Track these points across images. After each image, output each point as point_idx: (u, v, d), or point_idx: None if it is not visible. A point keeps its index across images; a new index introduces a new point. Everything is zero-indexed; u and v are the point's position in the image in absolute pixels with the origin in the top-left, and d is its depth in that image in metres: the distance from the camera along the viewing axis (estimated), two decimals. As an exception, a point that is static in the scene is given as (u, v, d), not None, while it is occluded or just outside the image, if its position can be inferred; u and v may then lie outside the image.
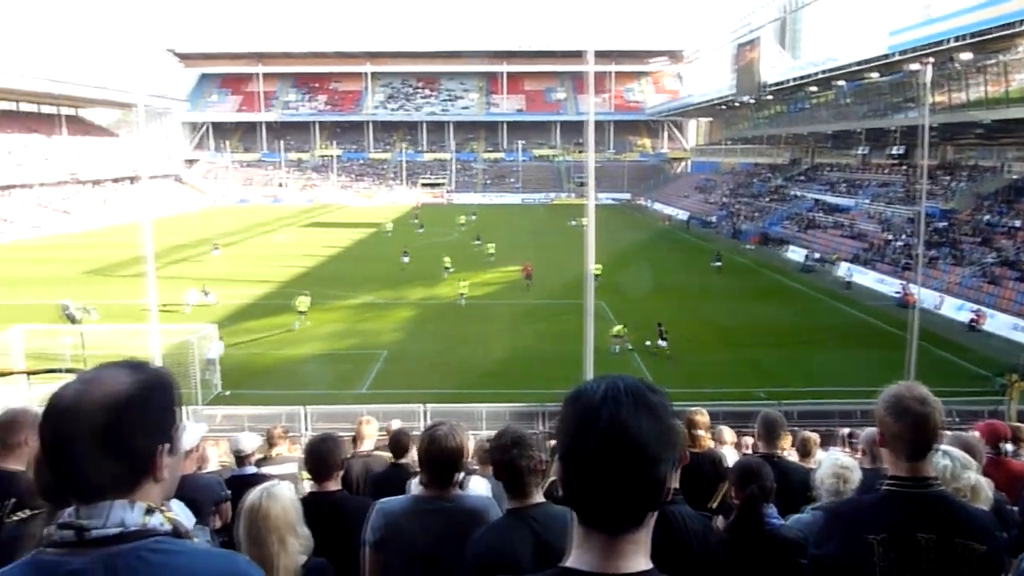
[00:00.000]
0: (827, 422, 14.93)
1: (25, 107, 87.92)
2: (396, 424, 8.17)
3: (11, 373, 18.45)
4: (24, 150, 77.44)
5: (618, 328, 25.61)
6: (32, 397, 16.98)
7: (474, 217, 70.34)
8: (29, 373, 18.41)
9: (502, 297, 31.91)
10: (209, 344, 22.21)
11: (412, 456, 5.76)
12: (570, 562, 1.36)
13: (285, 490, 2.98)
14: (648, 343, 25.45)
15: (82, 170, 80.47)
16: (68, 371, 17.97)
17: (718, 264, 40.71)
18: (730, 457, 7.09)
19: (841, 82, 55.04)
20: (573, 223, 61.91)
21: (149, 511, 1.43)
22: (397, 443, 5.60)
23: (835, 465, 3.81)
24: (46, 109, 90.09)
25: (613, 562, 1.32)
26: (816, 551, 2.46)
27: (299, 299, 27.64)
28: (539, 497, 2.87)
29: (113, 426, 1.38)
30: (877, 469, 4.16)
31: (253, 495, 2.92)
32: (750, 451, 7.71)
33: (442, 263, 39.50)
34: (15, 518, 2.97)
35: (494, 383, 21.76)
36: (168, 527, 1.45)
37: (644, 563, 1.34)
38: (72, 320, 26.34)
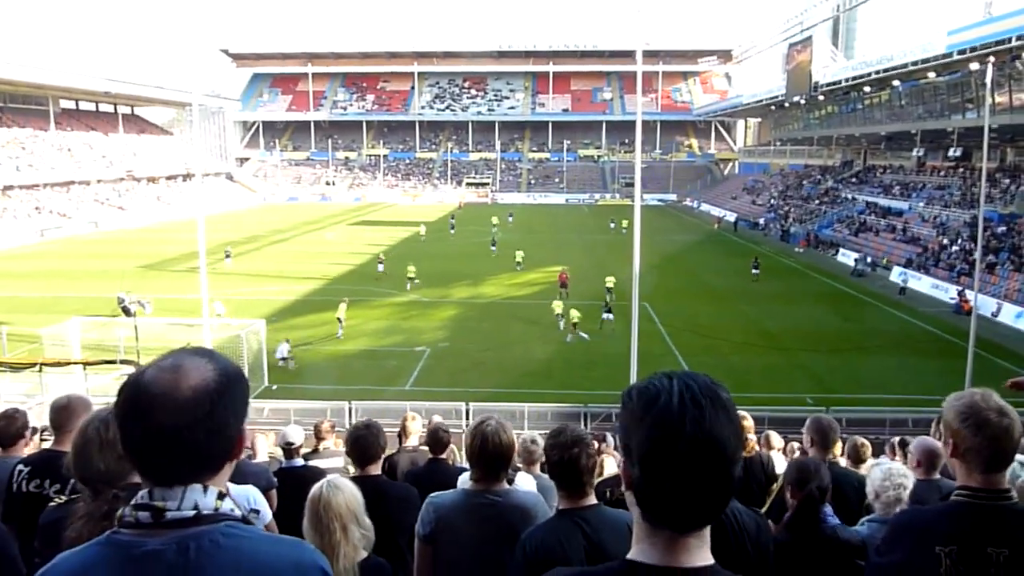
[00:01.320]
0: (877, 430, 14.57)
1: (85, 106, 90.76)
2: (437, 419, 8.21)
3: (69, 363, 19.06)
4: (83, 147, 79.95)
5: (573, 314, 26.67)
6: (89, 387, 17.55)
7: (511, 218, 68.82)
8: (86, 364, 19.02)
9: (546, 296, 31.84)
10: (278, 345, 23.12)
11: (450, 452, 5.80)
12: (635, 555, 1.36)
13: (348, 483, 3.11)
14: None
15: (138, 167, 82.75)
16: (123, 362, 18.52)
17: (756, 272, 39.02)
18: (778, 462, 6.96)
19: (896, 82, 53.61)
20: (612, 225, 61.61)
21: (221, 496, 1.46)
22: (436, 438, 5.64)
23: (891, 474, 3.70)
24: (104, 108, 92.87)
25: (679, 557, 1.33)
26: (879, 559, 2.38)
27: (340, 306, 27.43)
28: (593, 499, 2.85)
29: (215, 413, 1.42)
30: (930, 481, 4.03)
31: (318, 486, 3.05)
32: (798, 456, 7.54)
33: (514, 258, 41.85)
34: (55, 501, 3.10)
35: (536, 383, 21.77)
36: (238, 512, 1.48)
37: (708, 557, 1.35)
38: (127, 313, 27.09)
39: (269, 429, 11.50)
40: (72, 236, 58.86)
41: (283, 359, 22.92)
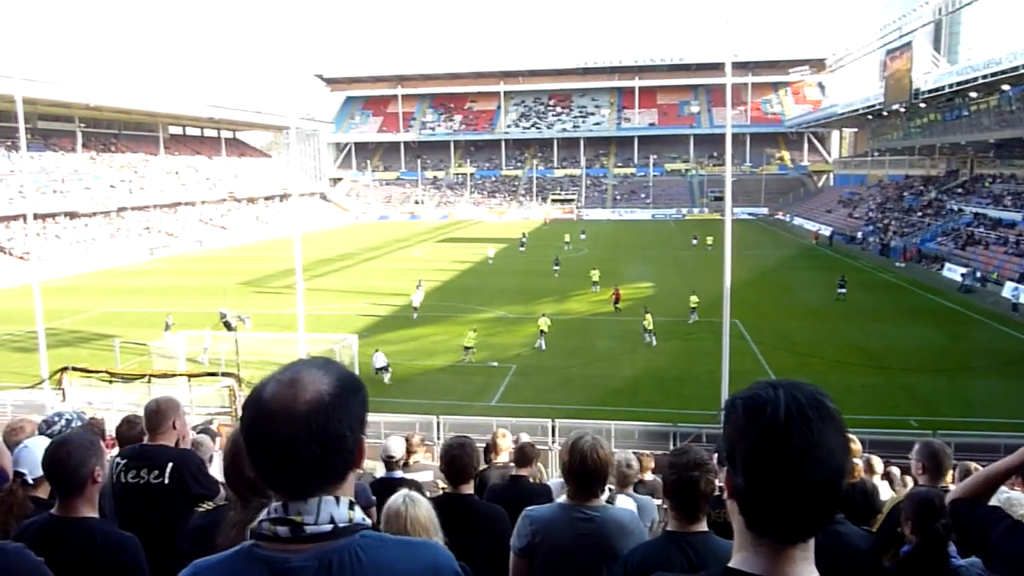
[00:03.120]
0: (990, 456, 13.67)
1: (191, 131, 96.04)
2: (525, 437, 8.21)
3: (175, 375, 20.03)
4: (189, 171, 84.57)
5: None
6: (192, 398, 18.40)
7: (583, 236, 66.69)
8: (190, 376, 19.94)
9: (630, 314, 31.47)
10: (374, 355, 23.91)
11: (534, 469, 5.77)
12: (737, 563, 1.35)
13: (423, 498, 3.11)
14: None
15: (239, 189, 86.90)
16: (225, 375, 19.34)
17: (843, 291, 36.03)
18: (882, 489, 6.63)
19: (1006, 86, 50.74)
20: (694, 242, 59.91)
21: (352, 506, 1.48)
22: (523, 454, 5.64)
23: (1011, 504, 3.46)
24: (208, 133, 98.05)
25: (782, 568, 1.31)
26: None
27: (468, 334, 26.58)
28: (704, 525, 2.80)
29: (330, 425, 1.42)
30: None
31: (394, 500, 3.06)
32: (904, 484, 7.16)
33: (589, 277, 39.89)
34: (202, 508, 3.27)
35: (623, 400, 21.50)
36: (369, 521, 1.51)
37: (812, 571, 1.33)
38: (228, 328, 28.32)
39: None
40: (178, 254, 62.12)
41: (379, 369, 23.51)
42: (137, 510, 3.64)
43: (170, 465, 3.71)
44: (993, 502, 3.65)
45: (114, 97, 72.69)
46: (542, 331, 27.68)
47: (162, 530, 3.59)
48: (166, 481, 3.68)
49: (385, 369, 23.81)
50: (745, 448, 1.29)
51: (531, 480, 5.57)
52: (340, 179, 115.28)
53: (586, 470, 3.14)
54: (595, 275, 39.89)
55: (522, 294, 38.34)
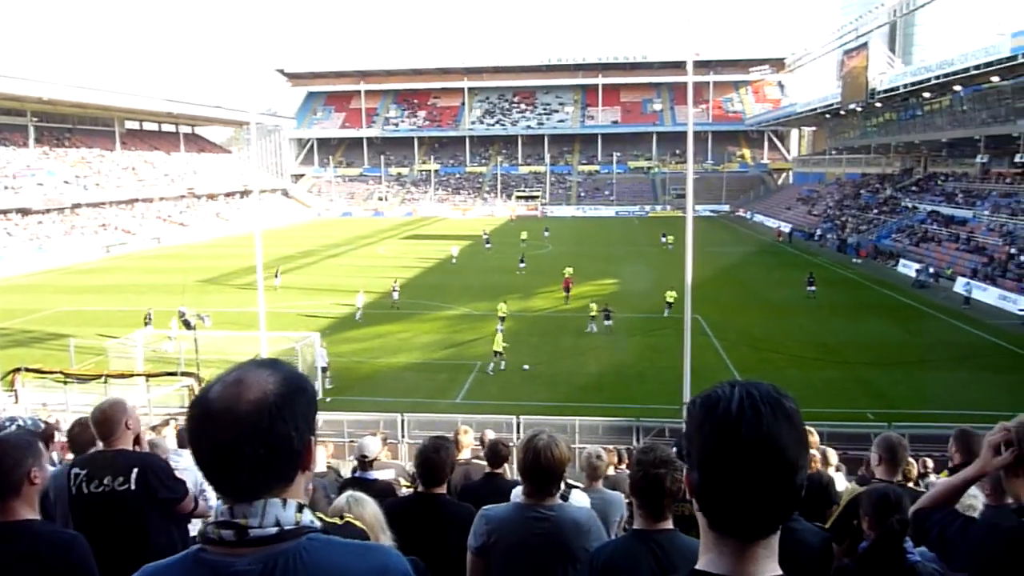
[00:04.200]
0: (944, 447, 14.05)
1: (148, 126, 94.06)
2: (491, 434, 8.20)
3: (133, 375, 19.65)
4: (146, 167, 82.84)
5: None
6: (151, 398, 18.06)
7: (547, 233, 66.74)
8: (148, 375, 19.58)
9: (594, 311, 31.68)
10: (316, 352, 22.94)
11: (507, 467, 5.77)
12: (703, 565, 1.36)
13: (368, 497, 3.12)
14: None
15: (198, 185, 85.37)
16: (185, 374, 19.01)
17: (812, 289, 36.33)
18: (838, 480, 6.76)
19: (958, 87, 52.07)
20: (663, 240, 60.31)
21: (300, 508, 1.46)
22: (495, 453, 5.61)
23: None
24: (166, 128, 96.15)
25: (747, 567, 1.32)
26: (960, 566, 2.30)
27: (496, 339, 25.39)
28: (670, 523, 2.81)
29: (274, 426, 1.40)
30: (1001, 507, 3.85)
31: (339, 500, 3.07)
32: (860, 475, 7.31)
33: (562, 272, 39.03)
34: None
35: (588, 396, 21.61)
36: (318, 524, 1.47)
37: (775, 568, 1.34)
38: (188, 326, 27.85)
39: (324, 440, 11.66)
40: (135, 252, 60.88)
41: (322, 369, 22.68)
42: (105, 520, 3.54)
43: (135, 471, 3.61)
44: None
45: (68, 91, 70.60)
46: (497, 351, 25.18)
47: (133, 538, 3.52)
48: (132, 487, 3.59)
49: (324, 371, 22.65)
50: (700, 444, 1.31)
51: (506, 478, 5.56)
52: (302, 175, 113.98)
53: (540, 468, 3.13)
54: (568, 272, 39.59)
55: (487, 291, 38.32)
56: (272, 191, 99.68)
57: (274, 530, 1.40)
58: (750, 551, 1.32)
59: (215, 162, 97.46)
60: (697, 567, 1.37)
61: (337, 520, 1.90)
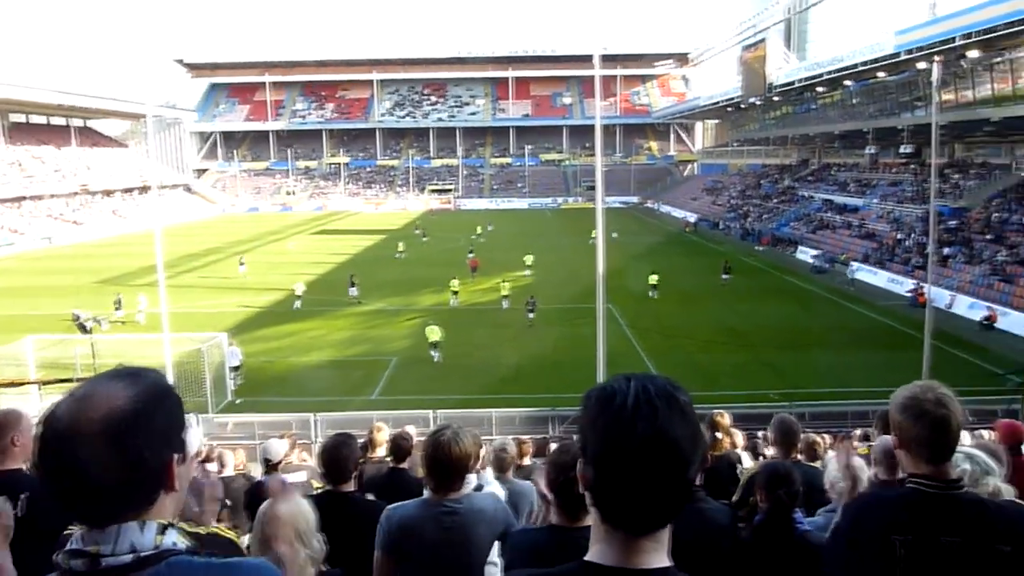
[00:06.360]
0: (840, 423, 14.82)
1: (35, 119, 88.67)
2: (411, 429, 8.13)
3: (24, 383, 18.52)
4: (34, 162, 78.06)
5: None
6: (43, 407, 17.04)
7: (491, 227, 66.24)
8: (41, 383, 18.49)
9: (515, 302, 31.82)
10: (228, 351, 22.10)
11: (413, 460, 5.74)
12: (592, 556, 1.37)
13: (299, 497, 2.95)
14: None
15: (92, 181, 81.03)
16: (79, 380, 18.03)
17: (727, 277, 37.77)
18: (746, 460, 7.02)
19: (849, 82, 54.78)
20: (591, 241, 61.01)
21: (162, 530, 1.35)
22: (397, 447, 5.58)
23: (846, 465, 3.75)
24: (56, 121, 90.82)
25: (635, 558, 1.33)
26: (835, 542, 2.40)
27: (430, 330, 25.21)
28: (590, 520, 2.84)
29: (120, 445, 1.28)
30: (893, 482, 4.08)
31: (267, 501, 2.91)
32: (765, 454, 7.62)
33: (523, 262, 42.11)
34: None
35: (505, 388, 21.71)
36: (183, 544, 1.37)
37: (664, 559, 1.35)
38: (83, 330, 26.45)
39: (235, 444, 11.30)
40: (24, 252, 57.39)
41: (233, 369, 21.94)
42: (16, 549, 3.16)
43: (24, 496, 3.09)
44: (831, 464, 3.93)
45: (-57, 81, 65.97)
46: (435, 343, 25.07)
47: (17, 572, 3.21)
48: (20, 514, 3.15)
49: (237, 369, 21.94)
50: (595, 439, 1.30)
51: (411, 472, 5.53)
52: (206, 170, 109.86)
53: (440, 463, 3.12)
54: (529, 259, 42.35)
55: (402, 285, 37.89)
56: (173, 187, 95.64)
57: (128, 558, 1.29)
58: (638, 543, 1.32)
59: (111, 157, 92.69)
60: (586, 558, 1.37)
61: (201, 531, 1.77)
